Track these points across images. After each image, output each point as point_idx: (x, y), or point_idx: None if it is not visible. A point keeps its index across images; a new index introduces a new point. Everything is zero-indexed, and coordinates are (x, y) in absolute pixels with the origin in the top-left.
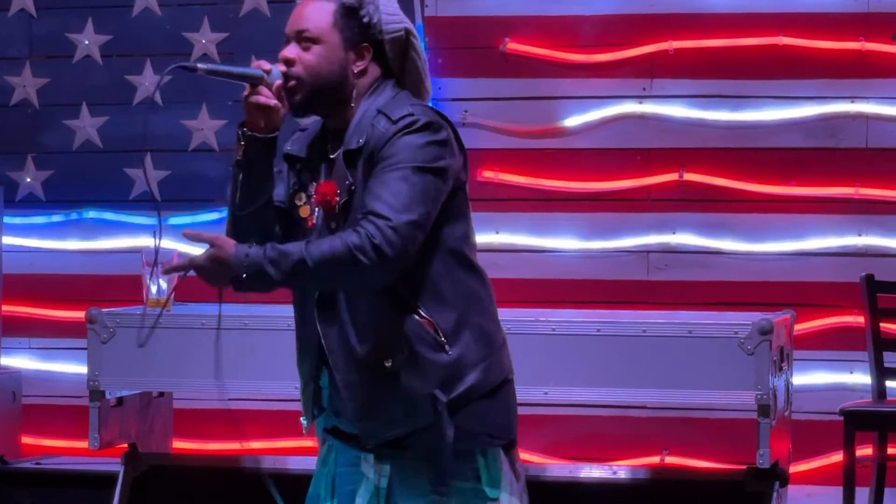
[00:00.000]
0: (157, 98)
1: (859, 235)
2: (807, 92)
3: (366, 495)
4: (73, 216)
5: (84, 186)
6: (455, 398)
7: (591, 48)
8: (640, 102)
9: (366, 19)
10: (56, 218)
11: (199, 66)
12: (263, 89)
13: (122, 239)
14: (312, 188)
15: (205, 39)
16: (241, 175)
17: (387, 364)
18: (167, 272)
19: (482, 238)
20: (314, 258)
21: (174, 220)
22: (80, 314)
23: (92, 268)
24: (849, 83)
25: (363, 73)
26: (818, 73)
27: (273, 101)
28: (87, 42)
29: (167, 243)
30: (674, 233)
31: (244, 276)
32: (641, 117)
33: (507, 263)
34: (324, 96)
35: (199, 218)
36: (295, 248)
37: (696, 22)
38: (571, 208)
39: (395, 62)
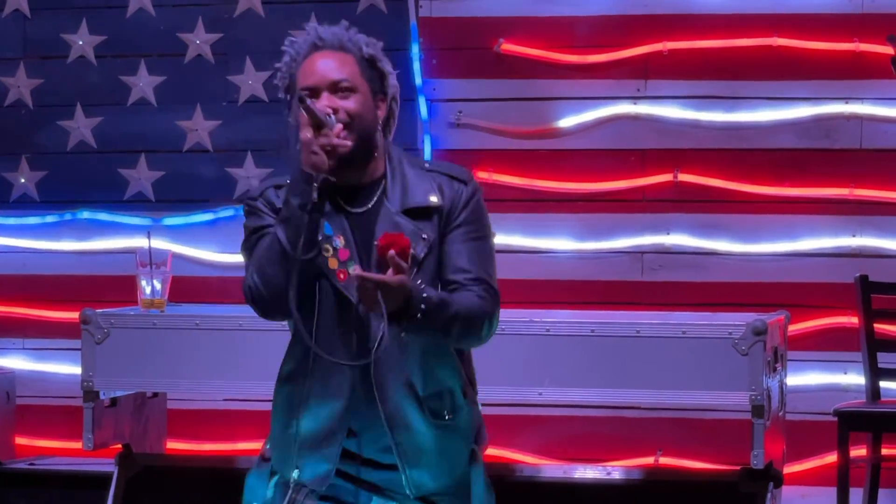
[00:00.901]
0: (152, 100)
1: (853, 236)
2: (801, 93)
3: None
4: (68, 217)
5: (78, 187)
6: (480, 450)
7: (585, 49)
8: (635, 103)
9: (386, 71)
10: (50, 218)
11: (308, 101)
12: (330, 133)
13: (117, 239)
14: (339, 241)
15: (199, 40)
16: (311, 218)
17: (447, 417)
18: (361, 275)
19: None
20: (463, 314)
21: (168, 221)
22: (74, 314)
23: (86, 268)
24: (843, 84)
25: (381, 124)
26: (812, 73)
27: (347, 142)
28: (81, 42)
29: (161, 244)
30: (668, 233)
31: (422, 307)
32: (636, 118)
33: (502, 264)
34: (363, 145)
35: (194, 218)
36: (447, 295)
37: (690, 23)
38: (566, 209)
39: (391, 115)
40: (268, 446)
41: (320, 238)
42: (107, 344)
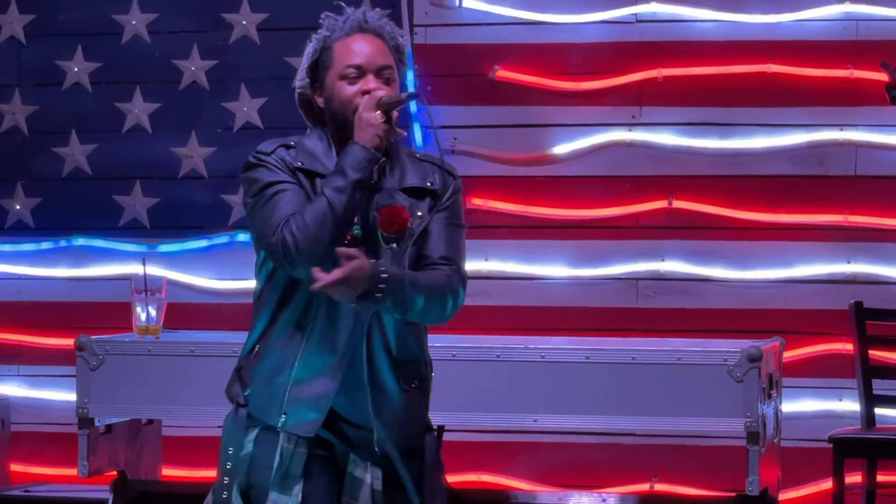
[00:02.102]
0: (147, 125)
1: (848, 263)
2: (795, 119)
3: (361, 496)
4: (63, 243)
5: (73, 214)
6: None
7: (580, 76)
8: (630, 130)
9: (405, 63)
10: (45, 245)
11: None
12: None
13: (112, 266)
14: None
15: (194, 67)
16: (363, 193)
17: (412, 385)
18: (319, 287)
19: (471, 265)
20: (429, 291)
21: (163, 248)
22: (69, 341)
23: (81, 295)
24: (837, 111)
25: None
26: (807, 100)
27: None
28: (76, 69)
29: (156, 270)
30: (663, 260)
31: (378, 293)
32: (630, 145)
33: (496, 291)
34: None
35: (189, 245)
36: (412, 276)
37: (684, 50)
38: (560, 235)
39: None
40: (245, 393)
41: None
42: (102, 371)
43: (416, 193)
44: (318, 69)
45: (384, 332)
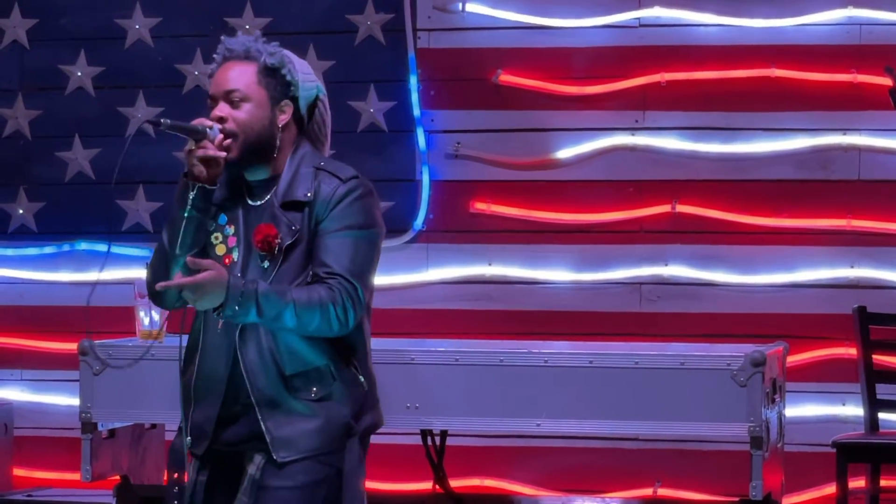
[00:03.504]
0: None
1: (851, 267)
2: (799, 124)
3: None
4: (66, 248)
5: (76, 218)
6: (360, 428)
7: (583, 80)
8: (633, 134)
9: (287, 77)
10: (48, 249)
11: (163, 121)
12: (207, 143)
13: (114, 270)
14: (230, 229)
15: (197, 71)
16: (187, 224)
17: (313, 394)
18: (163, 286)
19: (474, 270)
20: (299, 305)
21: None
22: (72, 346)
23: (84, 299)
24: (841, 115)
25: (286, 127)
26: (810, 104)
27: (221, 153)
28: (79, 74)
29: None
30: (666, 264)
31: (237, 304)
32: (633, 149)
33: (500, 295)
34: (254, 149)
35: None
36: (281, 290)
37: (687, 54)
38: (564, 240)
39: (308, 120)
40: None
41: (210, 229)
42: (105, 375)
43: (294, 207)
44: None
45: (268, 347)
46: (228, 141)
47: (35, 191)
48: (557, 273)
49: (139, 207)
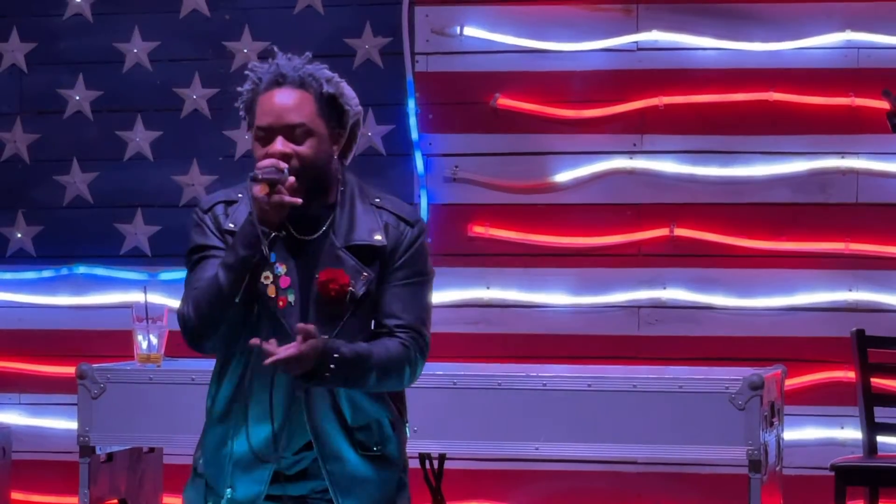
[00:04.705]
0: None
1: (850, 291)
2: (797, 147)
3: None
4: (64, 271)
5: (74, 242)
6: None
7: (581, 104)
8: (631, 158)
9: (346, 107)
10: (46, 273)
11: (255, 174)
12: (281, 188)
13: (113, 294)
14: (281, 269)
15: (195, 95)
16: (251, 271)
17: (376, 449)
18: (272, 362)
19: (472, 293)
20: (379, 368)
21: (164, 276)
22: (70, 369)
23: (82, 323)
24: (839, 139)
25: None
26: (808, 128)
27: (297, 199)
28: (77, 97)
29: (157, 298)
30: (664, 288)
31: (326, 372)
32: (632, 173)
33: (498, 318)
34: (317, 186)
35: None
36: (363, 352)
37: (686, 78)
38: (562, 263)
39: (350, 142)
40: (200, 461)
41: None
42: (103, 399)
43: (364, 251)
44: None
45: (334, 397)
46: (292, 181)
47: (33, 214)
48: (555, 296)
49: (137, 231)
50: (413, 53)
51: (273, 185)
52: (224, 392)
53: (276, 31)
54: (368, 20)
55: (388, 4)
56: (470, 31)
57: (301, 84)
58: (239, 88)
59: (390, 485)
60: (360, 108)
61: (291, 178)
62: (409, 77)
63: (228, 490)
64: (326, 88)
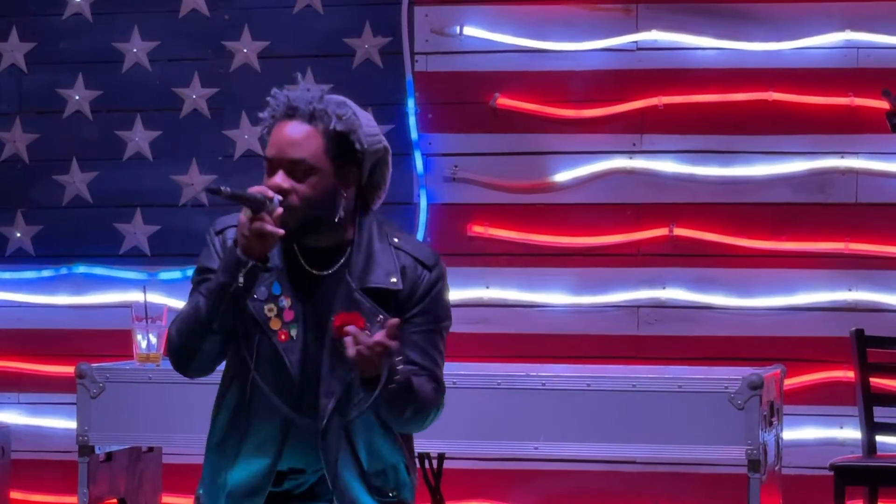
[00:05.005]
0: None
1: (849, 290)
2: (796, 147)
3: None
4: (63, 271)
5: (74, 241)
6: None
7: (580, 104)
8: (630, 158)
9: (357, 145)
10: (46, 273)
11: (223, 189)
12: (265, 216)
13: (112, 294)
14: (286, 301)
15: (195, 95)
16: (230, 299)
17: (391, 494)
18: (359, 347)
19: (472, 293)
20: (420, 396)
21: (164, 275)
22: (69, 369)
23: (82, 323)
24: (838, 138)
25: (348, 192)
26: (808, 128)
27: (279, 230)
28: (77, 97)
29: (156, 298)
30: (664, 287)
31: (396, 378)
32: (631, 172)
33: (497, 318)
34: (315, 222)
35: (189, 272)
36: (413, 379)
37: (685, 78)
38: (561, 263)
39: (366, 177)
40: (200, 491)
41: (263, 298)
42: (102, 398)
43: (380, 294)
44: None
45: (351, 442)
46: (280, 212)
47: (33, 214)
48: (555, 296)
49: (137, 231)
50: (412, 53)
51: (256, 210)
52: (221, 420)
53: (275, 31)
54: (368, 20)
55: (387, 4)
56: (469, 30)
57: (311, 118)
58: (260, 115)
59: None
60: (381, 145)
61: (279, 210)
62: (409, 77)
63: None
64: (335, 125)
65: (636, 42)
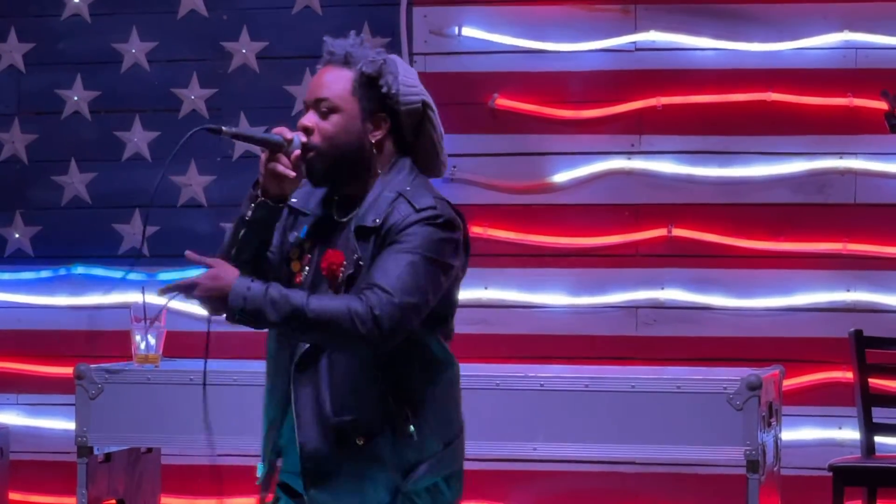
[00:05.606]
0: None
1: (848, 291)
2: (795, 148)
3: None
4: (62, 272)
5: (72, 242)
6: (411, 485)
7: (579, 104)
8: (629, 158)
9: (384, 89)
10: (45, 273)
11: (224, 128)
12: (282, 157)
13: (111, 295)
14: (309, 246)
15: (194, 95)
16: (242, 231)
17: (359, 442)
18: (164, 292)
19: (471, 294)
20: (314, 311)
21: (163, 276)
22: (68, 370)
23: (80, 323)
24: (837, 139)
25: (380, 144)
26: (806, 129)
27: (290, 172)
28: (75, 98)
29: (155, 299)
30: (662, 288)
31: (241, 309)
32: (630, 173)
33: (496, 319)
34: (341, 167)
35: (188, 273)
36: (297, 295)
37: (684, 78)
38: (560, 264)
39: (410, 134)
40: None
41: (292, 241)
42: (101, 399)
43: (365, 233)
44: None
45: (318, 385)
46: (312, 154)
47: (31, 215)
48: (553, 297)
49: (136, 231)
50: (411, 54)
51: (273, 151)
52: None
53: (274, 32)
54: (367, 20)
55: (386, 5)
56: (468, 31)
57: (345, 62)
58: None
59: (375, 486)
60: (417, 98)
61: (297, 151)
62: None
63: (259, 466)
64: (365, 68)
65: (635, 42)
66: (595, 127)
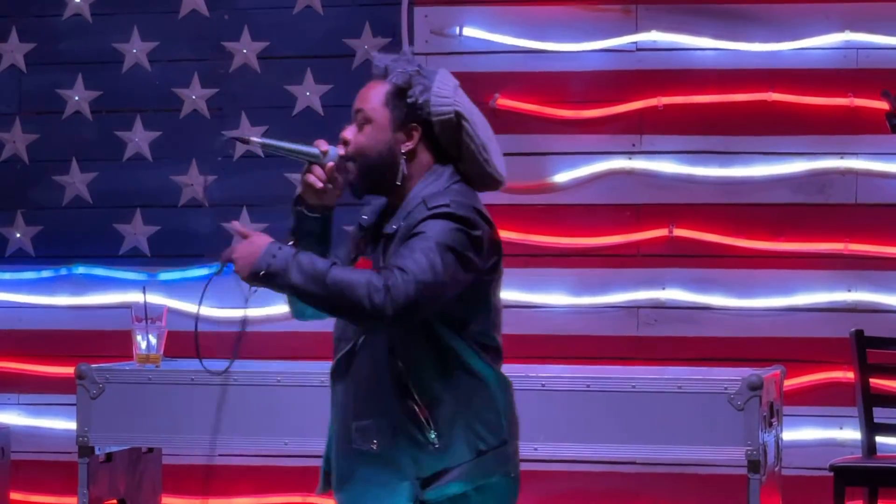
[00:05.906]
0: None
1: (849, 291)
2: (796, 148)
3: None
4: (63, 272)
5: (73, 242)
6: (432, 493)
7: (580, 104)
8: (630, 158)
9: (411, 99)
10: (45, 273)
11: (254, 139)
12: (317, 169)
13: (112, 294)
14: (355, 257)
15: (195, 95)
16: (290, 242)
17: (372, 446)
18: (224, 261)
19: None
20: (333, 277)
21: (164, 276)
22: (69, 370)
23: (81, 323)
24: (838, 139)
25: (412, 154)
26: (807, 129)
27: (320, 185)
28: (76, 98)
29: (156, 299)
30: (663, 288)
31: (268, 265)
32: (631, 173)
33: None
34: (373, 176)
35: (189, 273)
36: (323, 262)
37: (685, 78)
38: (561, 264)
39: (450, 145)
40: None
41: (367, 255)
42: (102, 399)
43: (389, 239)
44: None
45: (346, 388)
46: (331, 166)
47: (32, 215)
48: (554, 297)
49: (136, 231)
50: (412, 54)
51: (309, 163)
52: None
53: (275, 32)
54: (367, 20)
55: (387, 5)
56: (469, 31)
57: (384, 74)
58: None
59: (390, 490)
60: (448, 109)
61: (331, 164)
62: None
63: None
64: (395, 79)
65: (636, 43)
66: (596, 127)
